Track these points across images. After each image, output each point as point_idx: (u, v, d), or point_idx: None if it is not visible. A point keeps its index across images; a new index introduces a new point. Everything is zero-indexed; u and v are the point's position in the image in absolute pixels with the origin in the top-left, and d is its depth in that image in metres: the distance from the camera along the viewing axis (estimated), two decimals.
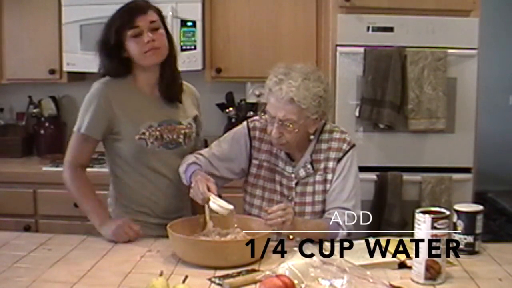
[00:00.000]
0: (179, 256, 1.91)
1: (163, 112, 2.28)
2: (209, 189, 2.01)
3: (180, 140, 2.29)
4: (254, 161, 2.23)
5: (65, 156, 2.25)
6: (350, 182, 2.15)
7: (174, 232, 1.91)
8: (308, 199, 2.17)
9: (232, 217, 2.03)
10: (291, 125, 2.05)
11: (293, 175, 2.18)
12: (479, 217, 1.98)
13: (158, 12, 2.24)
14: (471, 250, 1.97)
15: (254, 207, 2.22)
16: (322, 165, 2.17)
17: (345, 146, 2.17)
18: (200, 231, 2.05)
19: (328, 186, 2.16)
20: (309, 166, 2.17)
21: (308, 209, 2.17)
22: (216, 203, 1.98)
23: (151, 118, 2.25)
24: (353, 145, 2.19)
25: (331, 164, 2.16)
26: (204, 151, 2.27)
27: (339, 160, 2.16)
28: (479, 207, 2.00)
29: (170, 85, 2.28)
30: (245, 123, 2.28)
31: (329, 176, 2.16)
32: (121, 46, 2.19)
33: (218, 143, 2.27)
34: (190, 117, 2.35)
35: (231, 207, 1.99)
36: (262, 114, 2.16)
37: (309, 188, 2.17)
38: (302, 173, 2.17)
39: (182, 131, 2.30)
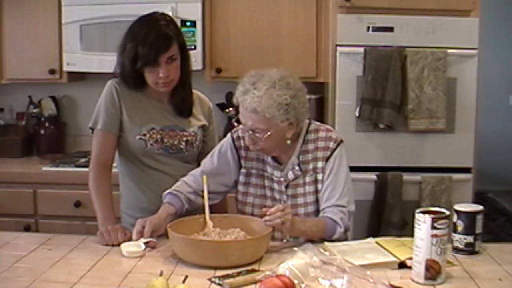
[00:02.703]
0: (179, 256, 1.91)
1: (168, 118, 2.33)
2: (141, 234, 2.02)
3: (182, 146, 2.32)
4: (242, 170, 2.23)
5: (91, 156, 2.31)
6: (341, 179, 2.14)
7: (174, 232, 1.91)
8: (300, 200, 2.17)
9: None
10: (260, 134, 2.05)
11: (282, 179, 2.17)
12: (479, 217, 1.97)
13: (179, 38, 2.25)
14: (471, 250, 1.97)
15: (246, 215, 2.20)
16: (310, 166, 2.16)
17: (332, 144, 2.15)
18: (200, 231, 2.05)
19: (319, 186, 2.15)
20: (297, 168, 2.16)
21: (301, 210, 2.16)
22: (126, 250, 1.96)
23: (155, 122, 2.30)
24: (340, 142, 2.17)
25: (320, 164, 2.15)
26: (195, 170, 2.27)
27: (327, 159, 2.14)
28: (479, 207, 2.00)
29: (180, 102, 2.34)
30: (229, 134, 2.27)
31: (320, 176, 2.15)
32: (138, 71, 2.23)
33: (207, 160, 2.27)
34: (196, 126, 2.37)
35: (142, 247, 1.97)
36: (237, 123, 2.17)
37: (300, 190, 2.17)
38: (290, 175, 2.17)
39: (184, 138, 2.33)
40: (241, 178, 2.23)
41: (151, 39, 2.17)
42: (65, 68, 3.49)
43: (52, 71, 3.53)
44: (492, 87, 5.88)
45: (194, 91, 2.42)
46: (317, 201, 2.16)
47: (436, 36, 3.06)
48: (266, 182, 2.21)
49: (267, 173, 2.20)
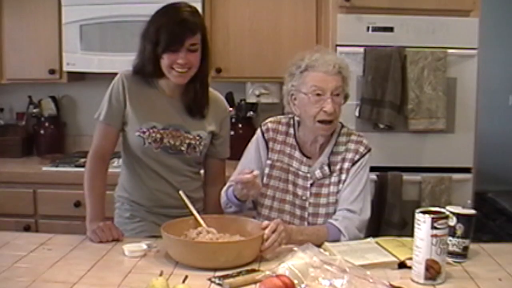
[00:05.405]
0: (174, 258, 1.89)
1: (175, 116, 2.26)
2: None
3: (183, 148, 2.26)
4: (267, 161, 2.22)
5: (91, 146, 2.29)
6: (360, 185, 2.16)
7: (167, 233, 1.88)
8: (323, 200, 2.17)
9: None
10: (339, 96, 2.10)
11: (308, 175, 2.18)
12: (474, 220, 1.96)
13: (203, 31, 2.20)
14: (466, 254, 1.92)
15: (264, 207, 2.21)
16: (338, 166, 2.17)
17: (362, 149, 2.18)
18: (193, 230, 2.01)
19: (341, 186, 2.16)
20: (326, 167, 2.17)
21: (322, 210, 2.17)
22: (128, 249, 1.96)
23: (157, 120, 2.24)
24: (370, 149, 2.21)
25: (346, 165, 2.17)
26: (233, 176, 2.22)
27: (355, 162, 2.16)
28: (472, 211, 1.94)
29: (192, 101, 2.27)
30: (258, 129, 2.26)
31: (343, 177, 2.16)
32: (158, 57, 2.17)
33: (242, 163, 2.24)
34: (203, 130, 2.29)
35: (143, 247, 1.97)
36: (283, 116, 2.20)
37: (324, 190, 2.17)
38: (318, 174, 2.17)
39: (187, 141, 2.26)
40: (265, 170, 2.22)
41: (177, 22, 2.12)
42: (65, 68, 3.50)
43: (52, 71, 3.53)
44: (492, 87, 5.88)
45: (213, 92, 2.36)
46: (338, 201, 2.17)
47: (436, 36, 3.06)
48: (290, 177, 2.20)
49: (292, 168, 2.20)
